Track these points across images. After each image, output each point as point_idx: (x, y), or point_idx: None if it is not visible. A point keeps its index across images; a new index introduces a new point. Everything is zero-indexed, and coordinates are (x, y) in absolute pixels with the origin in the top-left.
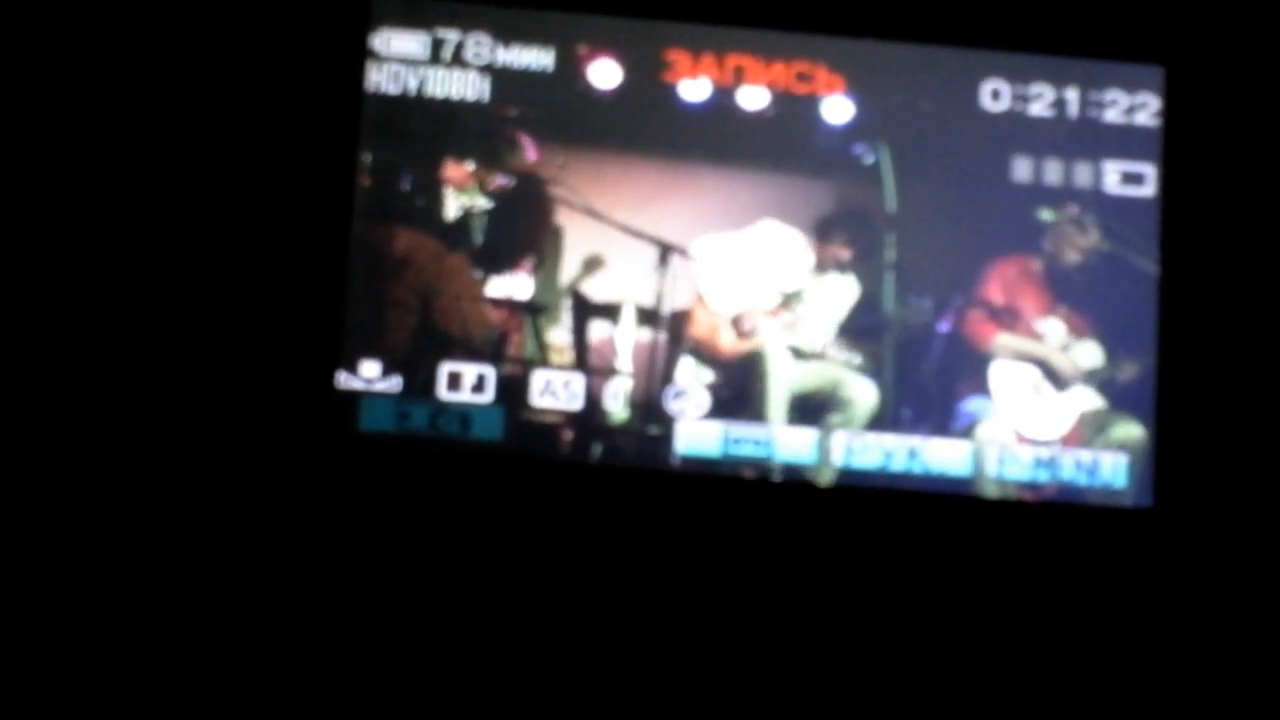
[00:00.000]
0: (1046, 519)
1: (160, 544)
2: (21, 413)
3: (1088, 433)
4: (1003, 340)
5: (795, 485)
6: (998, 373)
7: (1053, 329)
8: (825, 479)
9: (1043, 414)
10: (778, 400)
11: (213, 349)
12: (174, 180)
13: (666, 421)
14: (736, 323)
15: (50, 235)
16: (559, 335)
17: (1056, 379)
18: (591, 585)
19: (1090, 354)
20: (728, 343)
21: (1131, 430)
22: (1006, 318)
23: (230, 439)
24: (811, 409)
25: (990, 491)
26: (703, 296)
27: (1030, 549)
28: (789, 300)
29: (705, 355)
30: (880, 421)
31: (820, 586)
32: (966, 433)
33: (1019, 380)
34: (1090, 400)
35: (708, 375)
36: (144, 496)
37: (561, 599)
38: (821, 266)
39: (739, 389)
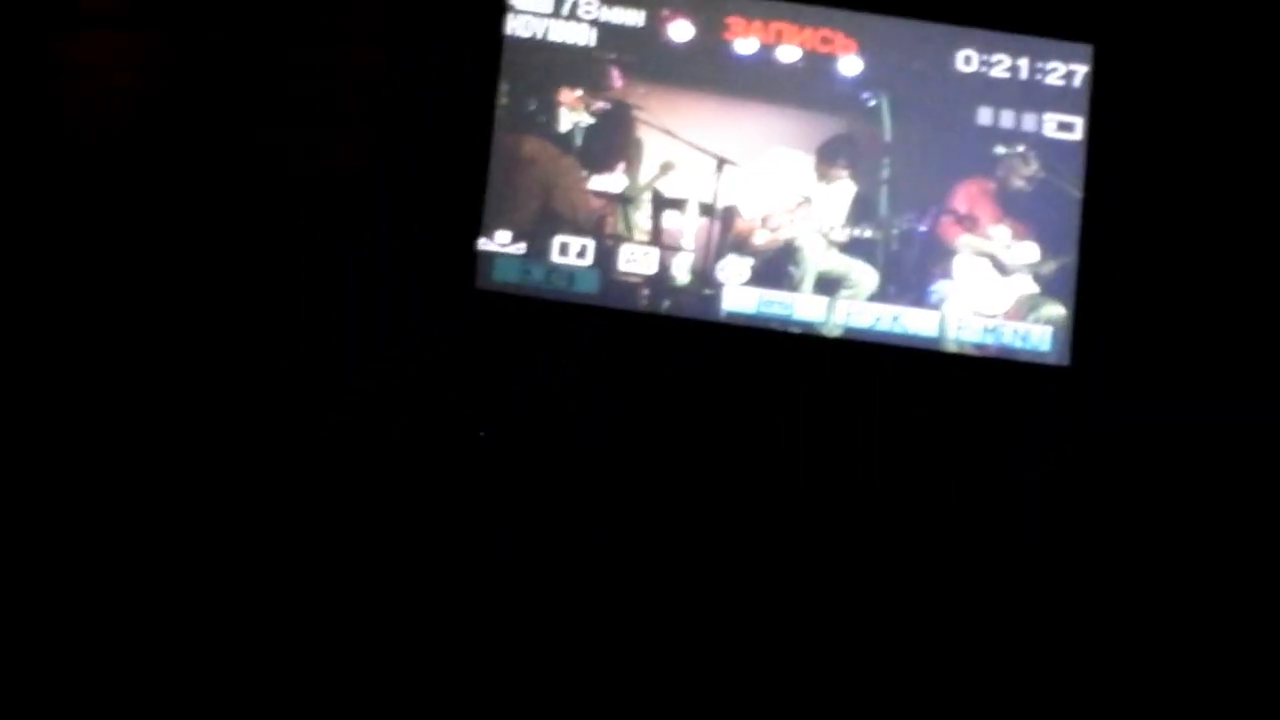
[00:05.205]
0: (990, 370)
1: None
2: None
3: (1023, 310)
4: (964, 239)
5: (808, 338)
6: (959, 263)
7: (1000, 233)
8: (832, 334)
9: (990, 295)
10: (806, 278)
11: (387, 230)
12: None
13: (716, 286)
14: (765, 220)
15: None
16: (641, 220)
17: (1002, 269)
18: (655, 402)
19: (1028, 252)
20: (761, 236)
21: (1056, 310)
22: (968, 223)
23: (394, 289)
24: (830, 285)
25: (950, 349)
26: (739, 204)
27: (977, 393)
28: (805, 202)
29: (746, 245)
30: (876, 295)
31: (824, 416)
32: (936, 306)
33: (974, 269)
34: (1026, 286)
35: (749, 259)
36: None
37: (634, 414)
38: (827, 178)
39: (775, 269)
